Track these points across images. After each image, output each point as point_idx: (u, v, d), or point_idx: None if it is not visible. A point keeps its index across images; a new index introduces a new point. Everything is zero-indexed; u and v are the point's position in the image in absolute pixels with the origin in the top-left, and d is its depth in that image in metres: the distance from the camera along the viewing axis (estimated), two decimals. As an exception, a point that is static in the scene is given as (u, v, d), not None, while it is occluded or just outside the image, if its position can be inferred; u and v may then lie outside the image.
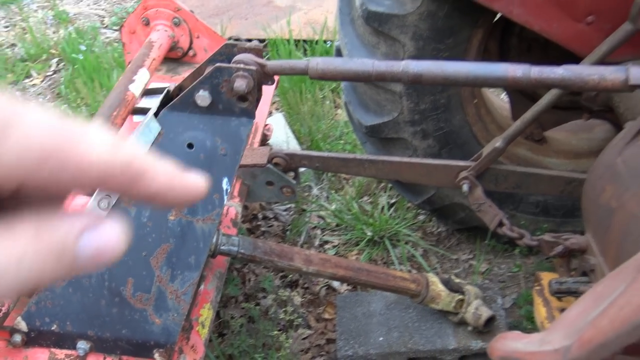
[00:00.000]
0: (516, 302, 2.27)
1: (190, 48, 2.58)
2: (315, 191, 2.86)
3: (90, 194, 0.42)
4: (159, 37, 2.42)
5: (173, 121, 1.37)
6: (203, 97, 1.33)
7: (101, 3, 4.81)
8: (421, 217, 2.67)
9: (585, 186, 1.51)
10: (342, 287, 2.39)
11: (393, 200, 2.75)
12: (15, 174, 0.34)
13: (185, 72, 2.59)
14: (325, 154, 2.04)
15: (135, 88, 2.13)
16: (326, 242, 2.62)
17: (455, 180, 1.93)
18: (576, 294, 1.38)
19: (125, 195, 0.40)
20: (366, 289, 2.27)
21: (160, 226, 1.41)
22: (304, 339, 2.19)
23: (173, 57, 2.59)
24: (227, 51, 1.42)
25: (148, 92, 2.34)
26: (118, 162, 0.37)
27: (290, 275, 2.44)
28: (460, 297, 1.88)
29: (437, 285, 1.87)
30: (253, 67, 1.31)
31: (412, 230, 2.58)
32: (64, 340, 1.46)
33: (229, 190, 1.42)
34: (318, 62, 1.33)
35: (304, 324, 2.24)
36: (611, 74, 1.25)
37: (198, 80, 1.33)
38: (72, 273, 0.36)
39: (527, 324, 2.14)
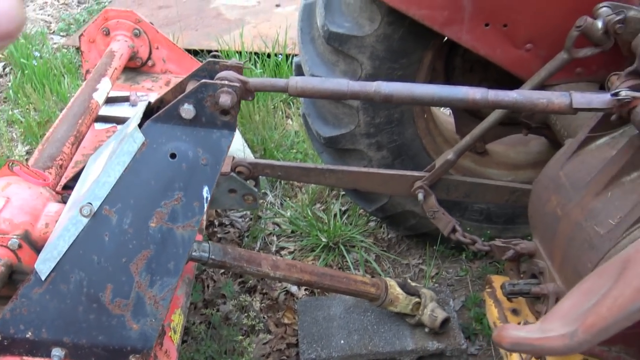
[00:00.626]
0: (465, 304, 2.41)
1: (149, 58, 2.61)
2: (270, 198, 2.93)
3: None
4: (120, 47, 2.43)
5: (157, 132, 1.42)
6: (187, 110, 1.39)
7: (47, 9, 4.68)
8: (372, 224, 2.80)
9: (531, 196, 1.68)
10: (300, 292, 2.47)
11: (345, 208, 2.87)
12: None
13: (143, 82, 2.61)
14: (287, 163, 2.14)
15: (99, 96, 2.15)
16: (282, 248, 2.69)
17: (410, 190, 2.08)
18: (528, 294, 1.54)
19: None
20: (325, 294, 2.36)
21: (140, 233, 1.45)
22: (264, 343, 2.25)
23: (131, 67, 2.61)
24: (210, 68, 1.49)
25: (108, 101, 2.35)
26: None
27: (250, 281, 2.50)
28: (417, 300, 2.01)
29: (395, 289, 1.99)
30: (237, 84, 1.39)
31: (364, 237, 2.71)
32: (38, 348, 1.46)
33: (209, 199, 1.48)
34: (297, 81, 1.43)
35: (264, 329, 2.30)
36: (557, 98, 1.42)
37: (184, 94, 1.39)
38: None
39: (477, 325, 2.29)
